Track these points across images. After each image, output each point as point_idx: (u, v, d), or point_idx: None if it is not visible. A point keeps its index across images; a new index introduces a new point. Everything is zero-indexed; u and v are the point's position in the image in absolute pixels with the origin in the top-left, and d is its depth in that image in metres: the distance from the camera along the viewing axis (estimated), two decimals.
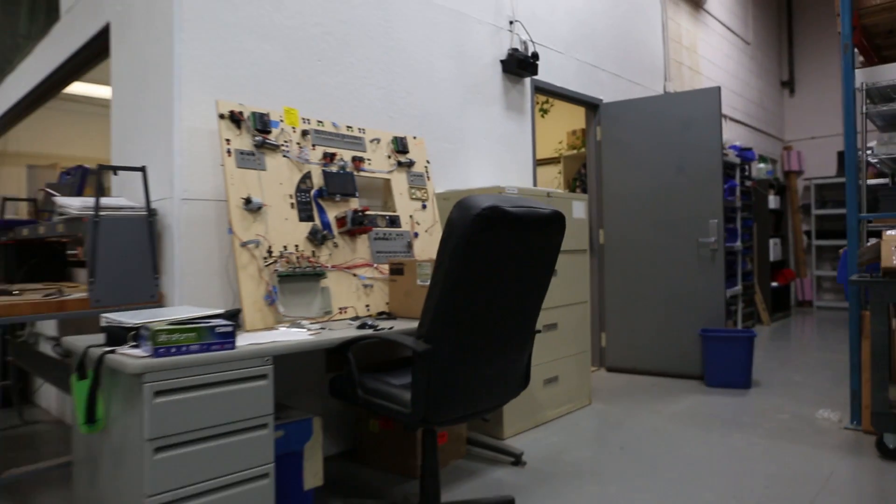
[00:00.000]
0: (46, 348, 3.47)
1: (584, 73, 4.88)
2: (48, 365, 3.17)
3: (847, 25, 3.30)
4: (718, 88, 4.46)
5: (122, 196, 2.76)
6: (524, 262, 1.90)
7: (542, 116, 7.09)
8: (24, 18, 4.29)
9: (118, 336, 1.82)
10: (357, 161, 2.88)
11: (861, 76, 3.39)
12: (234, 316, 1.97)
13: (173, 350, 1.66)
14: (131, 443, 1.65)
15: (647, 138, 4.73)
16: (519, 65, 4.03)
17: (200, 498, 1.68)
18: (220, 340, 1.76)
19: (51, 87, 4.05)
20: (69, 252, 3.40)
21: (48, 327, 3.58)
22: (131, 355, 1.67)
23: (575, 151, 6.18)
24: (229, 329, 1.78)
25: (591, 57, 4.99)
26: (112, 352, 1.73)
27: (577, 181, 6.12)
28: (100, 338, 1.98)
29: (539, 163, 6.72)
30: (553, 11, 4.57)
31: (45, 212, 3.40)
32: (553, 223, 1.94)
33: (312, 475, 2.23)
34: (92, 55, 3.42)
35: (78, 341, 1.94)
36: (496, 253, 1.79)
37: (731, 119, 7.56)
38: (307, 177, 2.66)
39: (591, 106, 5.00)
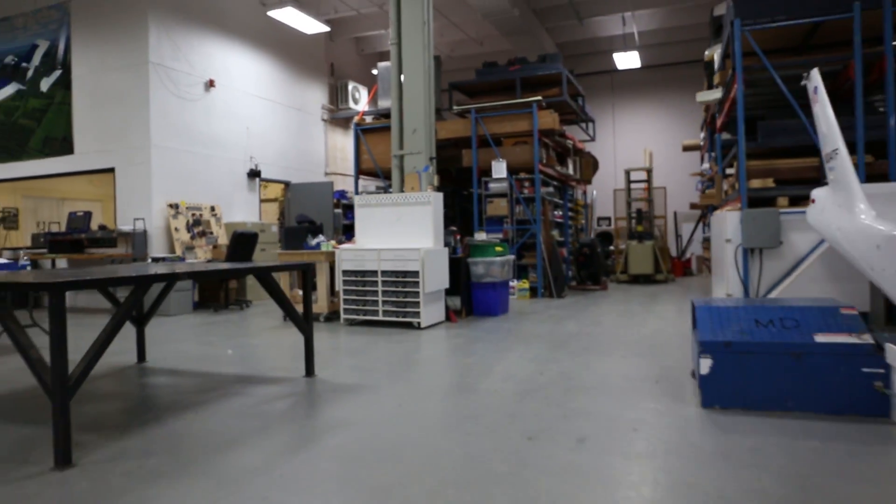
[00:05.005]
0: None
1: (283, 171, 12.25)
2: None
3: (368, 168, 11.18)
4: (332, 182, 12.18)
5: (127, 225, 9.37)
6: (247, 247, 9.19)
7: (265, 188, 14.25)
8: (38, 140, 10.16)
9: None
10: (200, 214, 9.86)
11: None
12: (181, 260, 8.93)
13: None
14: None
15: (308, 199, 12.26)
16: (253, 175, 11.23)
17: None
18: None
19: (58, 176, 10.08)
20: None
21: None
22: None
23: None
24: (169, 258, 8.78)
25: (286, 162, 12.39)
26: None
27: (282, 215, 13.51)
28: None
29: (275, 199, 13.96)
30: (269, 146, 11.85)
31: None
32: (253, 236, 9.24)
33: (197, 297, 9.26)
34: (95, 173, 9.74)
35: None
36: (240, 244, 9.04)
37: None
38: (188, 221, 9.59)
39: (286, 183, 12.39)
